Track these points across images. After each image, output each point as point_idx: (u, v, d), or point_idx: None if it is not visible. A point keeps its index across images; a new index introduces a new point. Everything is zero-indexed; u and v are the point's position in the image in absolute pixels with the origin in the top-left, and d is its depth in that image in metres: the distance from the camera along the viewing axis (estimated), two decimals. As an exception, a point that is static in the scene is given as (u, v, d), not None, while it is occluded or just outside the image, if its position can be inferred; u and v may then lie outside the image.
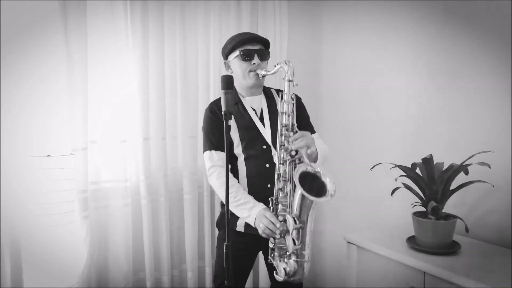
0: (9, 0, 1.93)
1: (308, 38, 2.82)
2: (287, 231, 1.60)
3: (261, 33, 2.61)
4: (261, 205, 1.71)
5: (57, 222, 1.84)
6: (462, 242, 1.75)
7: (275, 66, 1.70)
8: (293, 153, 1.64)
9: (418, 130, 2.17)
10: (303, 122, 1.90)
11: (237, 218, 1.79)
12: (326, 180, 1.58)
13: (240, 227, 1.79)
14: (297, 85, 1.67)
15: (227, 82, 1.49)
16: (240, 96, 1.85)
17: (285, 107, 1.67)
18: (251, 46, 1.79)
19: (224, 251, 1.41)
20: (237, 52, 1.79)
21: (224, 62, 1.89)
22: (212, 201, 2.54)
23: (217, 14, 2.48)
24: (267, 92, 1.91)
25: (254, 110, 1.84)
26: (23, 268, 1.88)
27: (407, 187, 1.78)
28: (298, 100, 1.94)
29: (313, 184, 1.59)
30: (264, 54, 1.80)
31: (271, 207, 1.68)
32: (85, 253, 2.08)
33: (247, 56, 1.78)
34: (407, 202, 1.86)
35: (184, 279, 2.48)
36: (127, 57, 2.24)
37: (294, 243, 1.57)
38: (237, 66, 1.81)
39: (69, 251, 1.89)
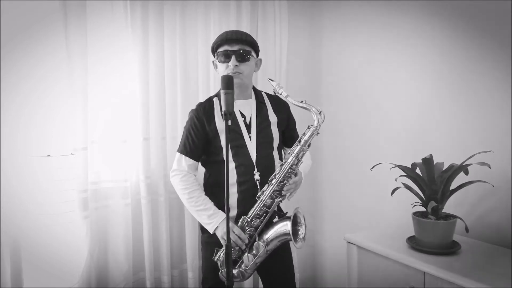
0: (9, 0, 1.93)
1: (308, 38, 2.82)
2: (254, 256, 1.72)
3: (261, 33, 2.61)
4: (222, 215, 1.74)
5: (57, 222, 1.84)
6: (462, 242, 1.75)
7: (302, 101, 1.70)
8: (285, 191, 1.74)
9: (418, 130, 2.17)
10: (294, 133, 1.95)
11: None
12: (301, 228, 1.75)
13: None
14: (318, 133, 1.73)
15: (227, 82, 1.49)
16: None
17: (296, 150, 1.71)
18: (229, 47, 1.74)
19: (225, 251, 1.41)
20: (217, 54, 1.78)
21: (213, 62, 1.86)
22: (212, 201, 2.54)
23: (217, 14, 2.48)
24: (258, 96, 1.88)
25: (243, 116, 1.81)
26: (23, 268, 1.89)
27: (407, 187, 1.78)
28: (289, 109, 1.95)
29: (293, 226, 1.71)
30: (244, 55, 1.74)
31: (240, 223, 1.73)
32: (85, 253, 2.08)
33: (224, 58, 1.75)
34: (407, 202, 1.86)
35: (184, 279, 2.48)
36: (127, 57, 2.24)
37: (256, 264, 1.72)
38: (219, 66, 1.79)
39: (69, 251, 1.89)
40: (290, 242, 1.72)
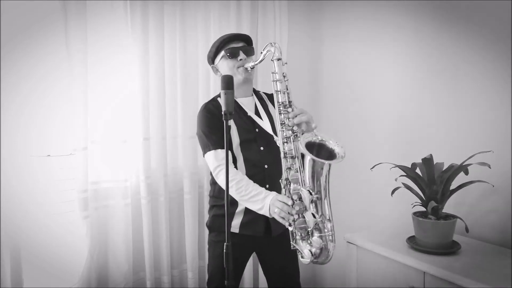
0: (9, 0, 1.93)
1: (308, 38, 2.82)
2: (305, 208, 1.53)
3: (261, 33, 2.61)
4: (274, 193, 1.63)
5: (57, 222, 1.85)
6: (462, 242, 1.75)
7: (261, 52, 1.68)
8: (295, 128, 1.60)
9: (418, 130, 2.17)
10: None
11: (231, 219, 1.77)
12: (334, 146, 1.55)
13: (234, 228, 1.77)
14: (286, 63, 1.66)
15: (227, 82, 1.49)
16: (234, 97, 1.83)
17: (278, 85, 1.65)
18: (235, 44, 1.80)
19: (224, 251, 1.40)
20: (222, 53, 1.79)
21: (212, 67, 1.88)
22: (212, 201, 2.54)
23: (217, 14, 2.48)
24: (257, 94, 1.91)
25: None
26: (23, 268, 1.89)
27: (407, 187, 1.78)
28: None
29: (321, 152, 1.55)
30: (248, 50, 1.81)
31: (284, 189, 1.59)
32: (85, 253, 2.08)
33: (233, 54, 1.77)
34: (407, 202, 1.86)
35: (184, 279, 2.48)
36: (127, 57, 2.24)
37: (314, 217, 1.50)
38: (224, 66, 1.80)
39: (69, 251, 1.90)
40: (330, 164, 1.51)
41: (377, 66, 2.39)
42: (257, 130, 1.79)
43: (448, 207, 1.77)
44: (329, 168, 1.52)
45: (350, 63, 2.57)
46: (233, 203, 1.76)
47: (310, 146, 1.54)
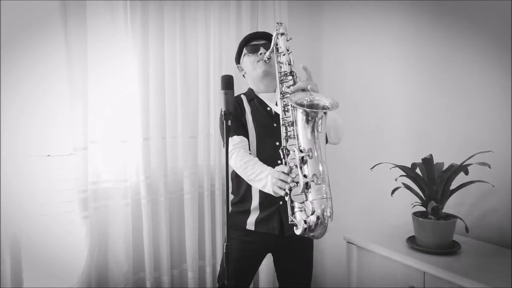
0: (9, 0, 1.93)
1: (308, 38, 2.82)
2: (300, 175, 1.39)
3: (261, 33, 2.62)
4: (270, 169, 1.58)
5: (57, 222, 1.84)
6: (462, 242, 1.75)
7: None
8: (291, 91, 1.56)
9: (418, 130, 2.17)
10: None
11: (247, 216, 1.77)
12: (325, 101, 1.45)
13: (250, 225, 1.77)
14: (291, 39, 1.67)
15: (227, 82, 1.48)
16: (255, 93, 1.86)
17: (281, 58, 1.65)
18: (256, 41, 1.84)
19: (224, 251, 1.40)
20: (244, 51, 1.85)
21: (237, 67, 1.92)
22: (212, 201, 2.54)
23: (217, 14, 2.48)
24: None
25: (269, 106, 1.82)
26: (23, 268, 1.89)
27: (407, 187, 1.78)
28: None
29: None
30: (269, 47, 1.79)
31: (283, 159, 1.50)
32: (85, 253, 2.08)
33: (253, 50, 1.82)
34: (407, 202, 1.86)
35: (184, 279, 2.48)
36: (127, 57, 2.24)
37: (305, 177, 1.35)
38: (246, 63, 1.85)
39: (69, 251, 1.89)
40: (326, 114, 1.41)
41: (377, 66, 2.39)
42: (275, 125, 1.78)
43: (448, 207, 1.77)
44: (323, 122, 1.39)
45: (350, 63, 2.57)
46: (247, 199, 1.78)
47: (301, 107, 1.43)
